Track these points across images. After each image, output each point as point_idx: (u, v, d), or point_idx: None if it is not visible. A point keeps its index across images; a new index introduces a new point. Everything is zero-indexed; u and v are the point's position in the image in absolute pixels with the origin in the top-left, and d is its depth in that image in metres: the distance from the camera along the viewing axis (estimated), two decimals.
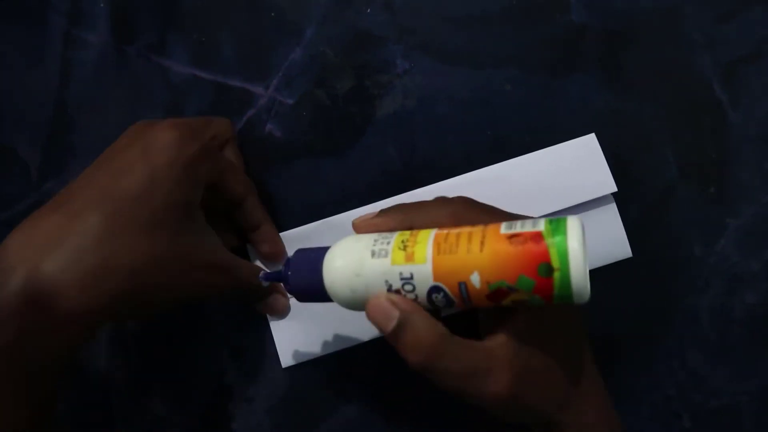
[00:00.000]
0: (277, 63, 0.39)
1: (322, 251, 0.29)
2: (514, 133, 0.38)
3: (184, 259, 0.30)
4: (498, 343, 0.27)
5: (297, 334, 0.37)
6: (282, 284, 0.31)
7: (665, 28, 0.39)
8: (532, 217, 0.27)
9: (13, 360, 0.26)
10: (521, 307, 0.28)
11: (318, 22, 0.39)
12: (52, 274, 0.26)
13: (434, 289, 0.26)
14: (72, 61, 0.40)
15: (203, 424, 0.38)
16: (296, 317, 0.37)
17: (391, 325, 0.26)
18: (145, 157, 0.29)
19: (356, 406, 0.38)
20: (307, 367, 0.38)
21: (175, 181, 0.29)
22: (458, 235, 0.26)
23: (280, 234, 0.37)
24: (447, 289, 0.26)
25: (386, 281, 0.27)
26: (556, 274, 0.24)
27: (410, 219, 0.29)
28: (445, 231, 0.27)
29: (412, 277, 0.26)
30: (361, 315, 0.28)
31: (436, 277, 0.26)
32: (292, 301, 0.37)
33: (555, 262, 0.24)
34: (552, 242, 0.24)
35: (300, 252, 0.30)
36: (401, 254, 0.27)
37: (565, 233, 0.24)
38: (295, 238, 0.37)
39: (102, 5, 0.40)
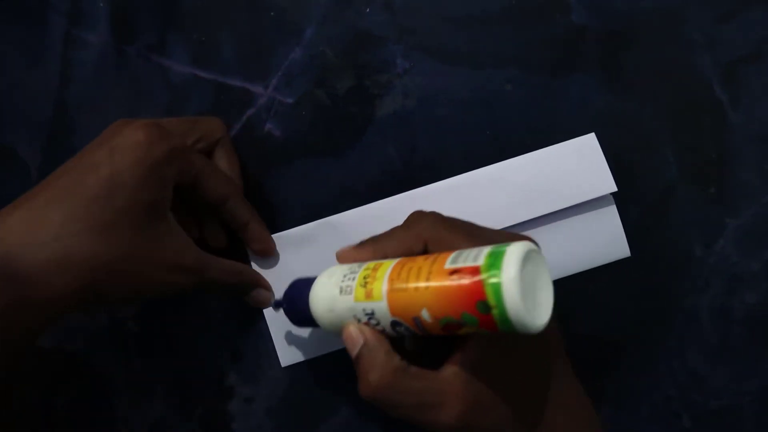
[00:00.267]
0: (277, 63, 0.39)
1: (311, 283, 0.31)
2: (514, 133, 0.38)
3: (144, 259, 0.30)
4: (451, 372, 0.28)
5: (296, 334, 0.37)
6: (265, 278, 0.36)
7: (665, 28, 0.39)
8: (485, 245, 0.26)
9: None
10: (477, 335, 0.28)
11: (318, 22, 0.39)
12: (13, 262, 0.27)
13: (394, 323, 0.27)
14: (72, 61, 0.40)
15: (203, 424, 0.38)
16: None
17: (354, 353, 0.28)
18: (110, 157, 0.29)
19: (356, 406, 0.38)
20: (307, 367, 0.38)
21: (140, 182, 0.29)
22: (410, 270, 0.26)
23: (280, 234, 0.37)
24: (405, 323, 0.27)
25: (354, 316, 0.28)
26: (494, 311, 0.23)
27: (382, 249, 0.30)
28: (399, 265, 0.27)
29: (373, 313, 0.27)
30: None
31: (392, 312, 0.27)
32: None
33: (490, 300, 0.23)
34: (487, 278, 0.23)
35: (295, 283, 0.32)
36: (362, 291, 0.28)
37: (500, 267, 0.23)
38: (294, 238, 0.37)
39: (102, 5, 0.40)
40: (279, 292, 0.37)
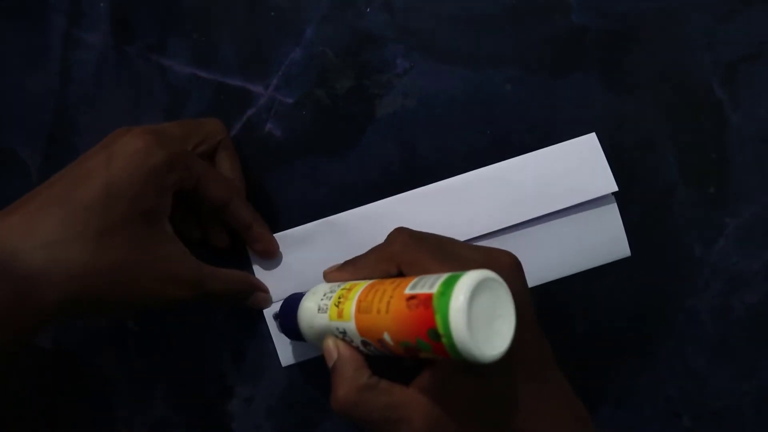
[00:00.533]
0: (276, 63, 0.39)
1: (299, 300, 0.32)
2: (514, 133, 0.38)
3: (136, 269, 0.30)
4: (418, 388, 0.28)
5: None
6: (262, 281, 0.37)
7: (665, 28, 0.39)
8: (446, 271, 0.25)
9: None
10: None
11: (318, 22, 0.39)
12: (1, 267, 0.26)
13: (364, 342, 0.28)
14: (72, 62, 0.40)
15: (203, 424, 0.38)
16: None
17: (330, 366, 0.29)
18: (107, 164, 0.29)
19: None
20: (307, 367, 0.38)
21: (136, 190, 0.29)
22: (375, 293, 0.27)
23: (280, 234, 0.37)
24: (372, 344, 0.27)
25: (331, 333, 0.30)
26: (443, 340, 0.23)
27: (360, 271, 0.31)
28: (369, 288, 0.28)
29: (345, 332, 0.29)
30: None
31: (360, 333, 0.28)
32: None
33: (440, 328, 0.23)
34: (437, 307, 0.23)
35: (288, 298, 0.34)
36: (335, 311, 0.29)
37: (449, 296, 0.23)
38: (294, 238, 0.37)
39: (102, 5, 0.40)
40: (277, 292, 0.37)
